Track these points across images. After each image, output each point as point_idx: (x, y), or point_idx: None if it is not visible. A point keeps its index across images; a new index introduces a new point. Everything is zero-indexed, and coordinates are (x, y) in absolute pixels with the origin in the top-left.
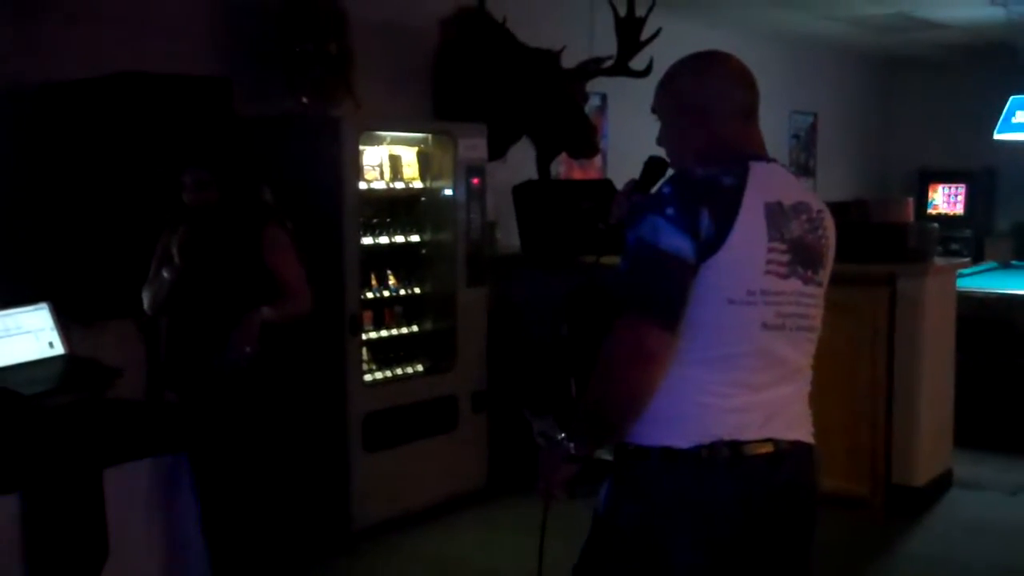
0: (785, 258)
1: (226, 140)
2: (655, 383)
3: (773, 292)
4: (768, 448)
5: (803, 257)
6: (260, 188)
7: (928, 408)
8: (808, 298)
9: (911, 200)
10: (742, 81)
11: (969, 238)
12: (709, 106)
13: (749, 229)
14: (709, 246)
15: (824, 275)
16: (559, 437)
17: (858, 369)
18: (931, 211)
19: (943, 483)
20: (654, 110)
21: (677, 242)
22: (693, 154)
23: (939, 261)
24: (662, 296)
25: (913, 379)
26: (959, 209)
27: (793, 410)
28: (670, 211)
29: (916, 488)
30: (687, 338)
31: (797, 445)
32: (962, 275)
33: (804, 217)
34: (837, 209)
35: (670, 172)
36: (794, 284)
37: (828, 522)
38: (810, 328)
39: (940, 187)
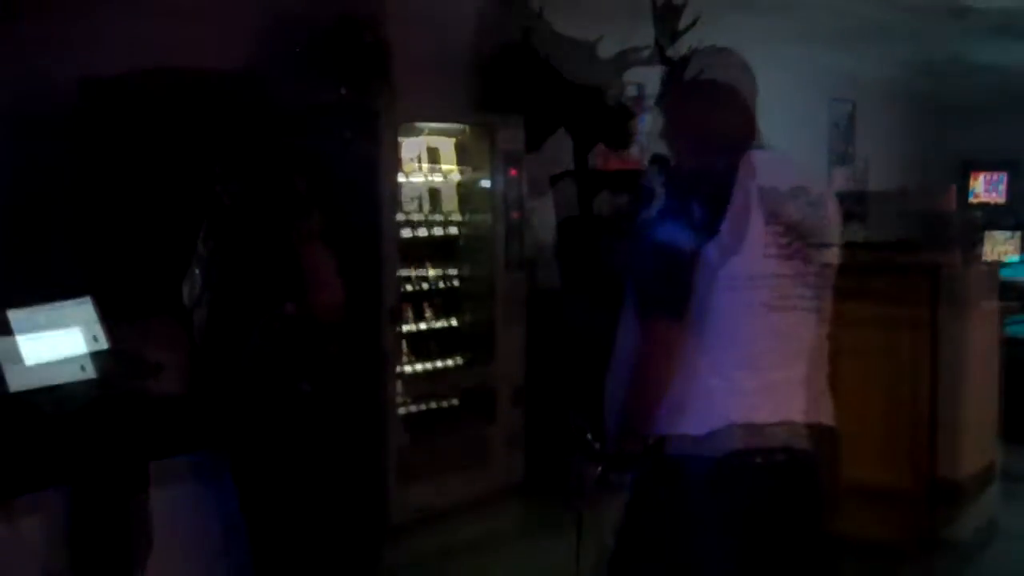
0: (784, 240)
1: (257, 132)
2: (675, 374)
3: (774, 275)
4: (783, 430)
5: (803, 238)
6: (293, 179)
7: (972, 400)
8: (811, 278)
9: (954, 188)
10: (742, 75)
11: (1011, 227)
12: (708, 100)
13: (744, 215)
14: (707, 236)
15: (829, 255)
16: (586, 439)
17: (900, 359)
18: (972, 200)
19: (987, 476)
20: (658, 103)
21: (680, 237)
22: (691, 145)
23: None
24: (675, 293)
25: (957, 369)
26: (1001, 198)
27: (807, 391)
28: (671, 208)
29: (959, 481)
30: (695, 326)
31: (813, 427)
32: (1005, 264)
33: (803, 200)
34: (878, 197)
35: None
36: (796, 265)
37: (869, 514)
38: (816, 308)
39: (981, 176)
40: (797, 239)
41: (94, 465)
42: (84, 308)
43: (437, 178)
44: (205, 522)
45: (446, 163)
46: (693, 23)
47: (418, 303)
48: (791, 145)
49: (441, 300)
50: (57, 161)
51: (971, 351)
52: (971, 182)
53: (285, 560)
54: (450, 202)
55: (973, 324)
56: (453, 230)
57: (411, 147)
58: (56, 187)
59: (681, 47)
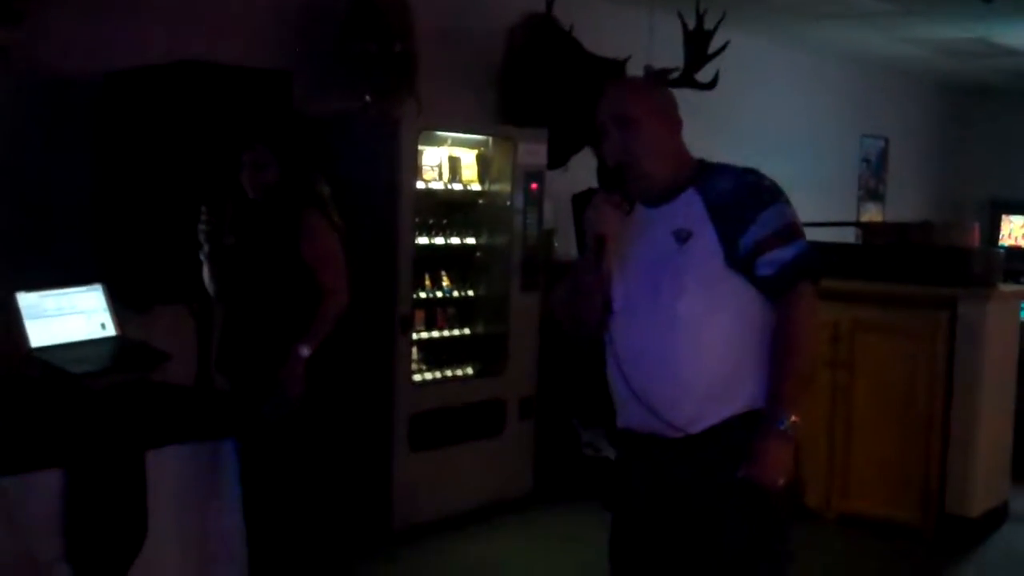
0: None
1: (289, 126)
2: None
3: None
4: None
5: None
6: (315, 179)
7: (986, 437)
8: None
9: (977, 225)
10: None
11: None
12: (678, 117)
13: None
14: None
15: None
16: (781, 427)
17: (915, 394)
18: (1002, 242)
19: (998, 516)
20: (624, 116)
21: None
22: (671, 158)
23: (1004, 287)
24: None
25: (971, 406)
26: None
27: None
28: (784, 198)
29: (970, 519)
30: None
31: None
32: None
33: None
34: (900, 230)
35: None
36: None
37: (878, 549)
38: None
39: (1012, 218)
40: None
41: (94, 451)
42: (94, 295)
43: (457, 188)
44: (202, 513)
45: (467, 175)
46: (723, 48)
47: (431, 311)
48: (821, 179)
49: (455, 310)
50: (76, 150)
51: (987, 387)
52: (1002, 224)
53: (283, 558)
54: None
55: (991, 360)
56: (471, 240)
57: (433, 156)
58: (74, 176)
59: (710, 71)
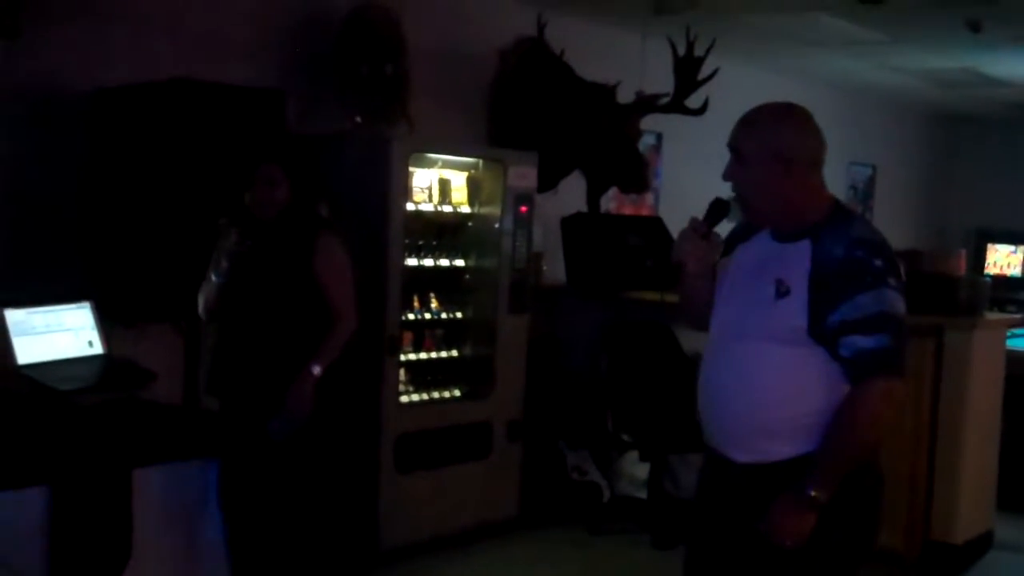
0: None
1: (297, 146)
2: None
3: None
4: None
5: None
6: (318, 202)
7: (972, 464)
8: None
9: (963, 252)
10: (820, 133)
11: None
12: (803, 157)
13: None
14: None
15: None
16: (807, 494)
17: (901, 421)
18: (988, 270)
19: (983, 543)
20: (734, 148)
21: (904, 307)
22: (782, 200)
23: (990, 316)
24: (906, 356)
25: (957, 433)
26: (1017, 271)
27: None
28: (893, 282)
29: (955, 546)
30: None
31: None
32: (1014, 335)
33: None
34: None
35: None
36: None
37: (861, 574)
38: None
39: (998, 247)
40: None
41: (80, 468)
42: (82, 312)
43: (446, 209)
44: (188, 532)
45: (457, 197)
46: (713, 74)
47: (419, 333)
48: None
49: (443, 332)
50: (67, 166)
51: (973, 415)
52: (988, 254)
53: None
54: (459, 234)
55: (976, 388)
56: (459, 262)
57: (423, 178)
58: (64, 192)
59: (700, 97)
